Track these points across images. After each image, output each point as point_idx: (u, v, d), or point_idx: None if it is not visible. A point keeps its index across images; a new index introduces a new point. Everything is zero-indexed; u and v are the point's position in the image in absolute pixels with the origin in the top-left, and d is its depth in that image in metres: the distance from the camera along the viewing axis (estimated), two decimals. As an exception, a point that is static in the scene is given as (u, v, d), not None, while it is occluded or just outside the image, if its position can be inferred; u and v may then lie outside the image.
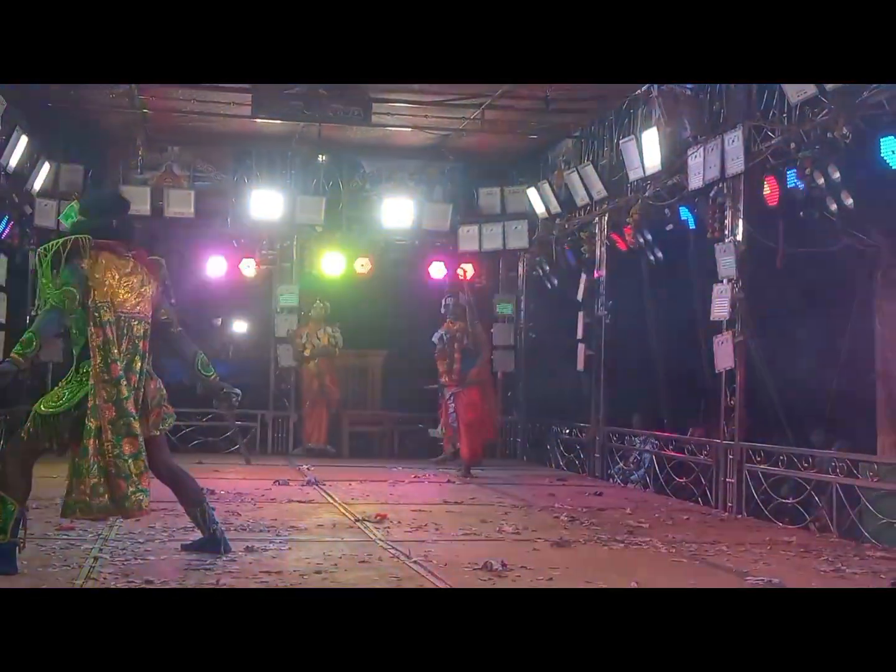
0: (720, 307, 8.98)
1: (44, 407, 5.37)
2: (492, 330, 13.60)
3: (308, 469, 11.17)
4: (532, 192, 12.91)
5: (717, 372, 9.12)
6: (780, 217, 8.71)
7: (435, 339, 11.48)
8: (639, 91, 10.52)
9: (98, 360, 5.37)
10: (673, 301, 11.38)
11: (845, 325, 9.49)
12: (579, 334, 12.21)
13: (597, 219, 11.76)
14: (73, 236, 5.48)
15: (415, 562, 5.92)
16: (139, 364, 5.56)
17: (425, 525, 7.43)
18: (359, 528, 7.27)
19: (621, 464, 11.36)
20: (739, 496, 8.71)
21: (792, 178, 8.23)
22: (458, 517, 7.95)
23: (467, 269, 13.79)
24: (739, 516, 8.59)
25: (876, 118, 7.34)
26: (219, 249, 13.37)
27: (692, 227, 10.06)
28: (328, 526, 7.32)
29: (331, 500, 8.76)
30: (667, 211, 10.21)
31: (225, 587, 5.02)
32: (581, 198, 11.78)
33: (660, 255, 10.76)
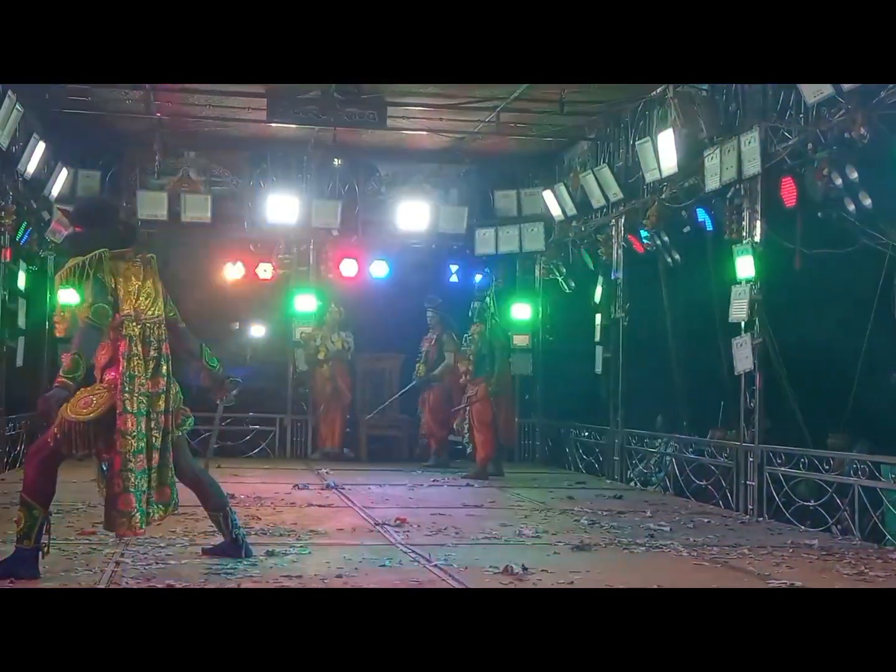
0: (738, 309, 8.95)
1: (72, 413, 5.31)
2: (510, 333, 13.60)
3: (327, 473, 11.19)
4: (548, 195, 12.90)
5: (736, 374, 9.10)
6: (797, 218, 8.67)
7: (462, 340, 11.77)
8: (654, 92, 10.51)
9: (126, 372, 5.38)
10: (691, 303, 11.33)
11: (865, 326, 9.43)
12: (597, 337, 12.21)
13: (613, 221, 11.75)
14: (95, 252, 5.41)
15: (435, 565, 5.92)
16: (165, 367, 5.58)
17: (445, 529, 7.43)
18: (379, 532, 7.28)
19: (640, 466, 11.34)
20: (760, 499, 8.68)
21: (810, 179, 8.19)
22: (477, 521, 7.95)
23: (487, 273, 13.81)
24: (760, 519, 8.56)
25: (893, 118, 7.30)
26: (235, 254, 13.40)
27: (709, 228, 10.02)
28: (348, 530, 7.33)
29: (350, 504, 8.77)
30: (683, 213, 10.18)
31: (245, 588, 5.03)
32: (597, 200, 11.77)
33: (677, 256, 10.74)
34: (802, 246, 8.67)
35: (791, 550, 6.88)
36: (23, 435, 11.10)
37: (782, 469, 8.53)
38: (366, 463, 12.88)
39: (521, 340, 13.91)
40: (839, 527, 7.98)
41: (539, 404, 14.07)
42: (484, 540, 7.03)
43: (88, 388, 5.40)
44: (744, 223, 8.97)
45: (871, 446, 8.56)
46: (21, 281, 11.09)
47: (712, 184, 9.27)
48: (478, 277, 13.64)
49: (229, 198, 13.38)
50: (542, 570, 5.80)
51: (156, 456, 5.49)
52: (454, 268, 14.01)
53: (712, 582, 5.61)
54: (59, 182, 11.84)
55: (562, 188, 12.62)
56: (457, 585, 5.36)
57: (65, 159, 12.02)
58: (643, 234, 10.91)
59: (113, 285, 5.41)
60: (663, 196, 10.43)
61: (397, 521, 7.59)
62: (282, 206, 12.97)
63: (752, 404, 8.89)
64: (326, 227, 13.32)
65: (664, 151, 10.06)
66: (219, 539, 6.10)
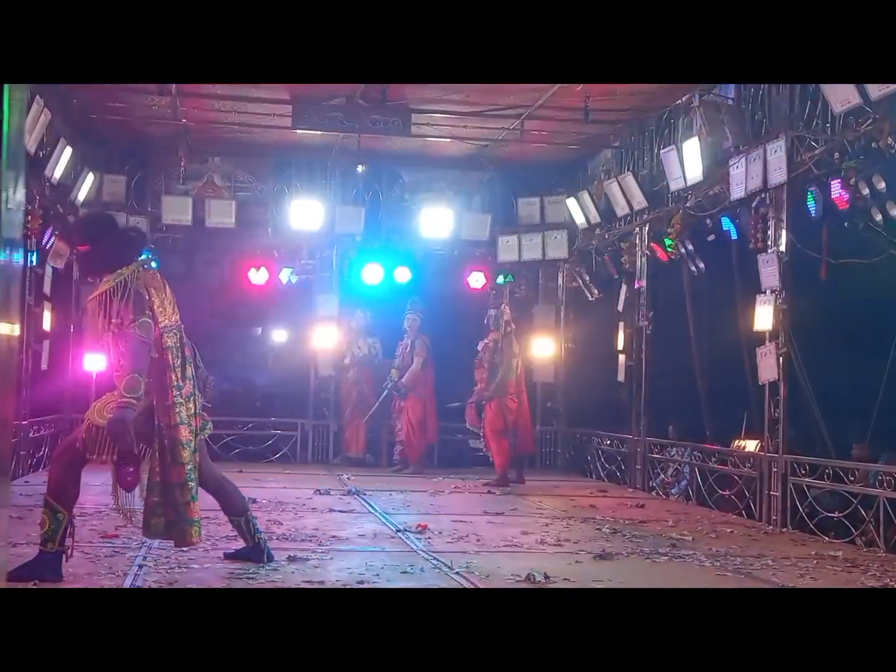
0: (763, 318, 8.91)
1: (100, 418, 5.33)
2: (531, 341, 13.60)
3: (348, 479, 11.19)
4: (572, 202, 12.89)
5: (760, 383, 9.05)
6: (823, 227, 8.62)
7: (479, 346, 11.65)
8: (679, 101, 10.48)
9: (175, 383, 5.42)
10: (715, 312, 11.30)
11: (891, 337, 9.37)
12: (620, 345, 12.17)
13: (637, 229, 11.72)
14: (130, 267, 5.39)
15: (457, 573, 5.91)
16: (190, 370, 5.61)
17: (466, 536, 7.42)
18: (400, 538, 7.27)
19: (663, 475, 11.29)
20: (784, 509, 8.62)
21: (836, 189, 8.14)
22: (499, 528, 7.93)
23: (507, 280, 13.76)
24: (784, 530, 8.49)
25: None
26: (259, 259, 13.45)
27: (734, 237, 9.98)
28: (369, 536, 7.33)
29: (371, 510, 8.77)
30: (708, 221, 10.15)
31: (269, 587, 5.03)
32: (621, 208, 11.75)
33: (701, 265, 10.70)
34: (828, 256, 8.62)
35: (815, 562, 6.84)
36: (47, 438, 11.17)
37: (806, 480, 8.47)
38: (387, 469, 12.88)
39: (542, 348, 13.88)
40: (864, 538, 7.92)
41: (561, 412, 14.03)
42: (505, 548, 7.02)
43: (115, 394, 5.36)
44: (769, 232, 8.92)
45: (896, 458, 8.51)
46: (46, 285, 11.16)
47: (737, 192, 9.23)
48: (494, 283, 13.63)
49: (253, 203, 13.43)
50: (565, 579, 5.79)
51: (196, 458, 5.54)
52: (476, 275, 13.96)
53: (735, 593, 5.57)
54: (86, 187, 11.92)
55: (585, 196, 12.60)
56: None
57: (91, 164, 12.11)
58: (667, 242, 10.87)
59: (148, 297, 5.39)
60: (688, 204, 10.39)
61: (418, 528, 7.59)
62: (305, 212, 13.00)
63: (776, 414, 8.84)
64: (350, 232, 13.35)
65: (689, 160, 10.03)
66: (240, 543, 6.11)
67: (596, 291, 13.11)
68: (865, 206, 7.85)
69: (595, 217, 12.48)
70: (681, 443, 11.19)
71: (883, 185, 7.64)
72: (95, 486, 6.94)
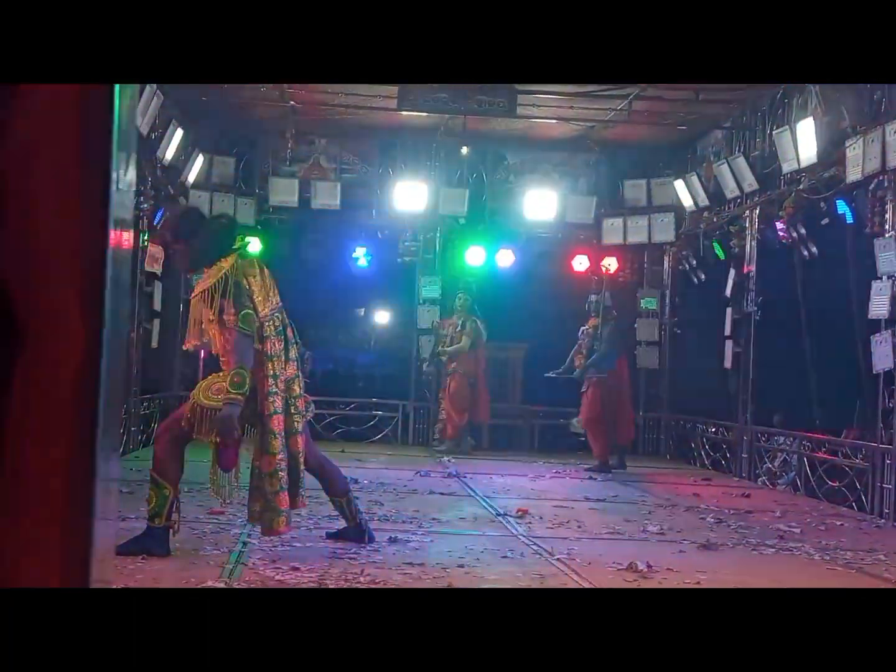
0: (879, 305, 8.60)
1: (205, 399, 5.38)
2: (635, 325, 13.41)
3: (449, 461, 11.21)
4: (679, 185, 12.63)
5: (874, 372, 8.76)
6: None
7: (580, 333, 11.49)
8: (794, 80, 10.18)
9: (272, 372, 5.45)
10: (827, 298, 10.98)
11: None
12: (727, 331, 11.90)
13: (747, 212, 11.43)
14: (229, 260, 5.38)
15: (558, 559, 5.85)
16: (294, 351, 5.65)
17: (567, 522, 7.35)
18: (500, 522, 7.24)
19: (769, 464, 11.03)
20: (897, 502, 8.34)
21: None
22: (600, 515, 7.85)
23: (611, 265, 13.51)
24: (896, 524, 8.23)
25: None
26: (364, 240, 13.52)
27: (850, 221, 9.67)
28: (469, 519, 7.32)
29: (472, 493, 8.76)
30: (823, 204, 9.84)
31: (367, 586, 5.05)
32: (731, 190, 11.46)
33: (814, 249, 10.40)
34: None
35: (930, 559, 6.59)
36: (156, 414, 11.44)
37: (922, 473, 8.18)
38: (488, 452, 12.86)
39: (647, 333, 13.68)
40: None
41: (665, 398, 13.82)
42: (607, 535, 6.93)
43: (221, 375, 5.44)
44: (887, 216, 8.59)
45: None
46: (157, 264, 11.40)
47: (854, 175, 8.92)
48: (596, 268, 13.39)
49: (358, 185, 13.48)
50: (668, 569, 5.68)
51: (301, 440, 5.58)
52: (580, 258, 13.78)
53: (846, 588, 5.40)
54: (196, 168, 12.14)
55: (694, 178, 12.33)
56: (580, 581, 5.29)
57: (201, 146, 12.32)
58: (779, 226, 10.59)
59: (249, 288, 5.39)
60: (801, 187, 10.09)
61: (519, 513, 7.54)
62: (410, 194, 13.00)
63: (890, 404, 8.54)
64: (454, 214, 13.31)
65: (803, 141, 9.72)
66: (342, 523, 6.15)
67: (703, 275, 12.85)
68: None
69: (703, 200, 12.21)
70: (789, 432, 10.92)
71: None
72: (203, 462, 7.05)
